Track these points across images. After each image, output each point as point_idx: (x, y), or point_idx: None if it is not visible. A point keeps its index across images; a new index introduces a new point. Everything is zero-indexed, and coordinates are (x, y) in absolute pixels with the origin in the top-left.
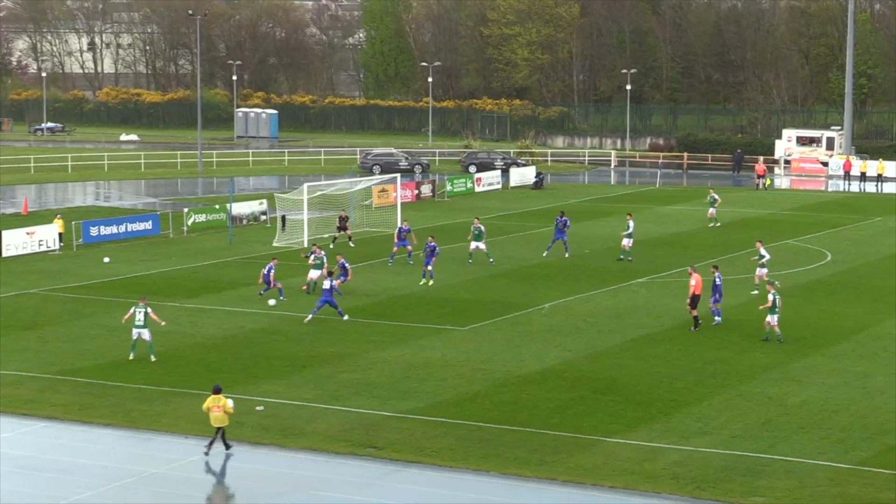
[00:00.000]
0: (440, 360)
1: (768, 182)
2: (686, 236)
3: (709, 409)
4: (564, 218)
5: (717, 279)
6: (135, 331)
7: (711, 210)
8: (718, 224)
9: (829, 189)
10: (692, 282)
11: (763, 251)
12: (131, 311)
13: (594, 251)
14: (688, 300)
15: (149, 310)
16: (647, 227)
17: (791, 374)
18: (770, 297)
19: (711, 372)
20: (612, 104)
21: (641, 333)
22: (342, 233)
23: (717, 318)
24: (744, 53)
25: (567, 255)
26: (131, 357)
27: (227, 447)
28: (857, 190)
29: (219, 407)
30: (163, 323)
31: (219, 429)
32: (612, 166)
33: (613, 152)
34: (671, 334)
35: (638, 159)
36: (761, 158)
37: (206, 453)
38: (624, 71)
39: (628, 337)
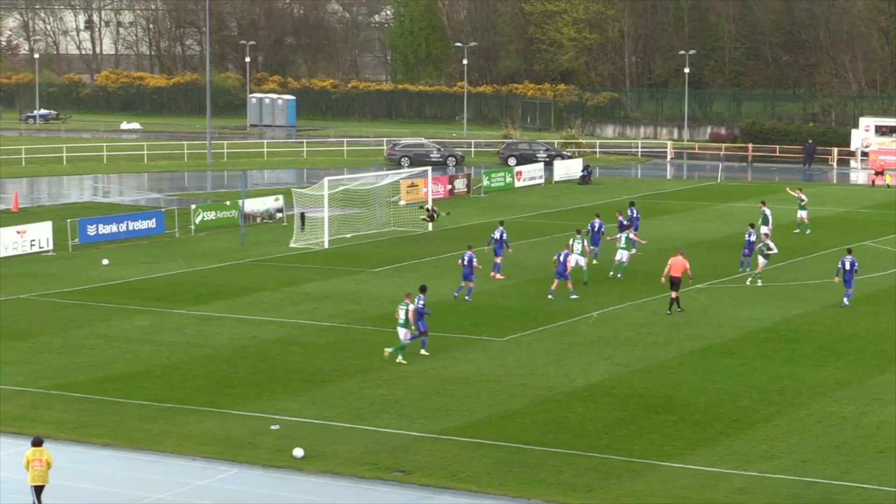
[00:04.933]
0: (476, 375)
1: (888, 179)
2: None
3: (776, 431)
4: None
5: (844, 263)
6: (399, 330)
7: (801, 213)
8: (808, 231)
9: None
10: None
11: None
12: (398, 309)
13: (647, 253)
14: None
15: (410, 307)
16: (707, 227)
17: (868, 392)
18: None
19: (779, 389)
20: (669, 89)
21: (700, 345)
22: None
23: (844, 300)
24: (816, 32)
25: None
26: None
27: None
28: None
29: (40, 461)
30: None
31: (38, 488)
32: (668, 159)
33: (669, 143)
34: (733, 346)
35: (697, 151)
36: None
37: None
38: (682, 52)
39: (685, 349)
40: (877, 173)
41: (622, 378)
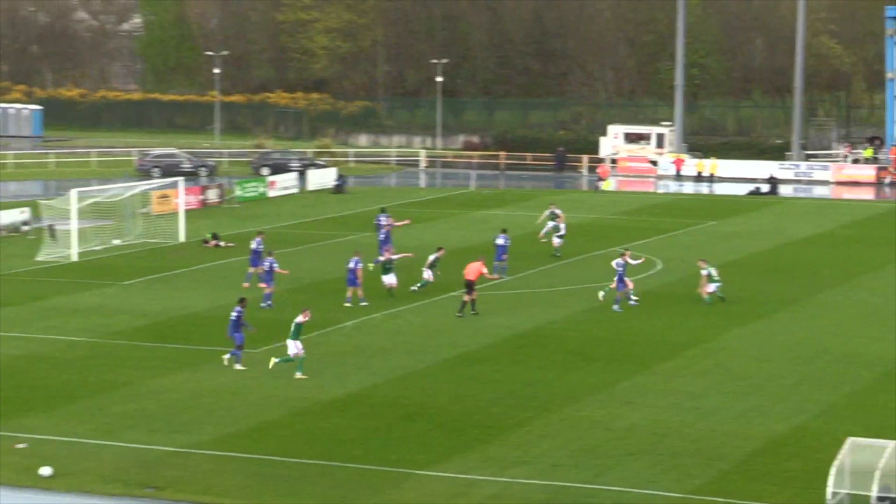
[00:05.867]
0: (230, 387)
1: (606, 185)
2: None
3: (529, 436)
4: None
5: (615, 265)
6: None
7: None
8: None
9: (659, 190)
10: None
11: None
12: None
13: (409, 262)
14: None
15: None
16: (460, 235)
17: (618, 396)
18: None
19: (531, 394)
20: (422, 98)
21: (454, 353)
22: None
23: (614, 306)
24: (566, 42)
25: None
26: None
27: None
28: (689, 191)
29: None
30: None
31: None
32: (422, 167)
33: (423, 152)
34: (487, 353)
35: (450, 159)
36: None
37: None
38: (434, 61)
39: (440, 357)
40: (601, 179)
41: (377, 387)
